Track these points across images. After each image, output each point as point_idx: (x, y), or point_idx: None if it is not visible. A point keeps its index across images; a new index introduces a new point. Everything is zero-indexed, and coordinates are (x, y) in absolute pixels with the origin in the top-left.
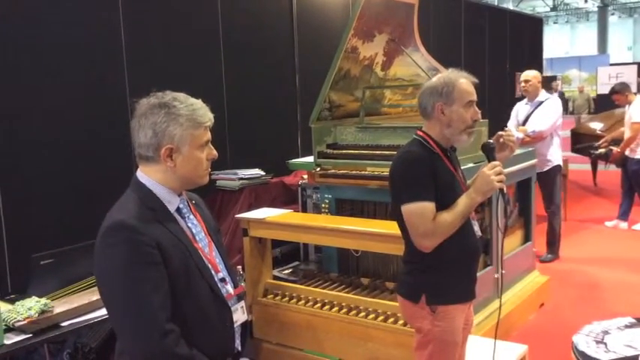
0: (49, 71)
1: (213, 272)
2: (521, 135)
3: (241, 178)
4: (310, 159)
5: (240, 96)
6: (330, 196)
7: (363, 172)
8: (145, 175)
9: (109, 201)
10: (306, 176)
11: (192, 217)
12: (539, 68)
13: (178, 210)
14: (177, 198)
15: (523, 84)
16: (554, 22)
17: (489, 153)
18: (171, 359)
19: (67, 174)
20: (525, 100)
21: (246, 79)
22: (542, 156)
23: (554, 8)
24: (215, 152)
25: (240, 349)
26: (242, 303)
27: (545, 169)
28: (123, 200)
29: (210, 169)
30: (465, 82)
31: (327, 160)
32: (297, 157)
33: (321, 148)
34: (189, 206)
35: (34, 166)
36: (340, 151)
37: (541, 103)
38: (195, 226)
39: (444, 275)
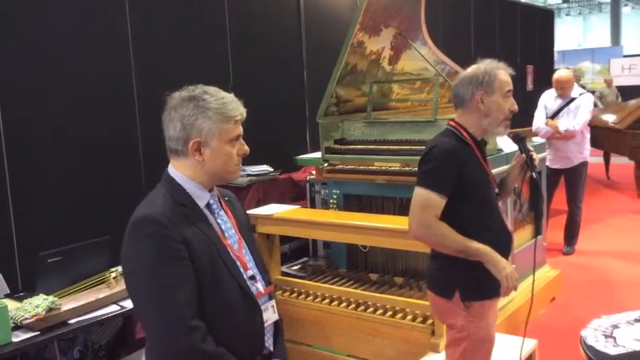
0: (56, 70)
1: (242, 270)
2: (550, 129)
3: (249, 175)
4: (318, 155)
5: (247, 92)
6: (338, 191)
7: (371, 167)
8: (175, 169)
9: (117, 199)
10: (314, 172)
11: (222, 213)
12: (551, 61)
13: (208, 206)
14: (208, 194)
15: (560, 90)
16: (567, 14)
17: (520, 143)
18: (198, 356)
19: (74, 172)
20: (555, 92)
21: (253, 74)
22: (571, 152)
23: (566, 0)
24: (246, 148)
25: (272, 349)
26: (273, 302)
27: (573, 165)
28: (152, 194)
29: (241, 164)
30: (503, 72)
31: (335, 156)
32: (306, 153)
33: (328, 144)
34: (220, 202)
35: (43, 165)
36: (348, 147)
37: (573, 99)
38: (224, 223)
39: (478, 271)
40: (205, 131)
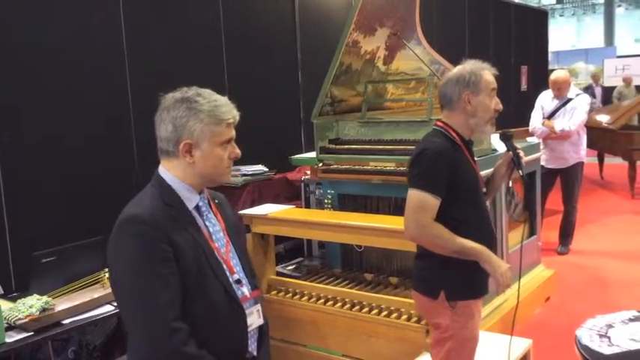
0: (51, 70)
1: (228, 273)
2: (546, 129)
3: (244, 174)
4: (313, 154)
5: (242, 92)
6: (333, 191)
7: (365, 167)
8: (165, 170)
9: (111, 199)
10: (309, 172)
11: (210, 215)
12: (545, 61)
13: (197, 208)
14: (197, 195)
15: (557, 91)
16: (560, 15)
17: (507, 141)
18: (179, 358)
19: (68, 172)
20: (552, 93)
21: (248, 74)
22: (567, 152)
23: (560, 1)
24: (238, 151)
25: (255, 353)
26: (258, 306)
27: (569, 165)
28: (141, 194)
29: (232, 167)
30: (488, 72)
31: (330, 156)
32: (301, 153)
33: (323, 144)
34: (209, 205)
35: (37, 164)
36: (342, 147)
37: (569, 99)
38: (212, 226)
39: (463, 271)
40: (197, 133)
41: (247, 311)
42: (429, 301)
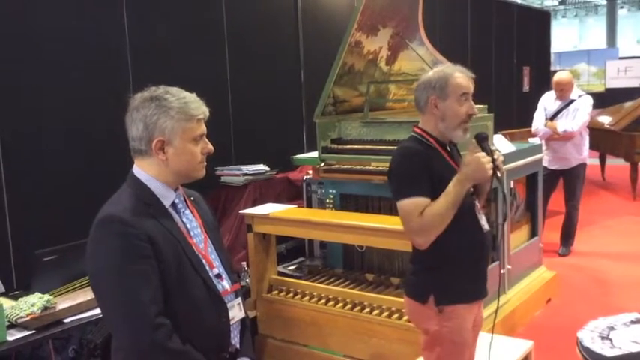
0: (52, 68)
1: (207, 268)
2: (548, 130)
3: (246, 174)
4: (315, 154)
5: (244, 91)
6: (334, 191)
7: (367, 167)
8: (140, 169)
9: None
10: (310, 172)
11: (187, 212)
12: (547, 62)
13: (173, 205)
14: (173, 193)
15: (559, 92)
16: (563, 16)
17: (482, 143)
18: (163, 353)
19: (70, 170)
20: (554, 94)
21: (250, 74)
22: (570, 154)
23: (562, 2)
24: (210, 146)
25: (238, 346)
26: (239, 300)
27: (571, 166)
28: (117, 194)
29: (205, 163)
30: (459, 75)
31: (332, 156)
32: (303, 153)
33: (325, 144)
34: (185, 202)
35: (38, 163)
36: (344, 147)
37: (572, 101)
38: (190, 222)
39: (452, 273)
40: (168, 130)
41: (228, 305)
42: (418, 305)
